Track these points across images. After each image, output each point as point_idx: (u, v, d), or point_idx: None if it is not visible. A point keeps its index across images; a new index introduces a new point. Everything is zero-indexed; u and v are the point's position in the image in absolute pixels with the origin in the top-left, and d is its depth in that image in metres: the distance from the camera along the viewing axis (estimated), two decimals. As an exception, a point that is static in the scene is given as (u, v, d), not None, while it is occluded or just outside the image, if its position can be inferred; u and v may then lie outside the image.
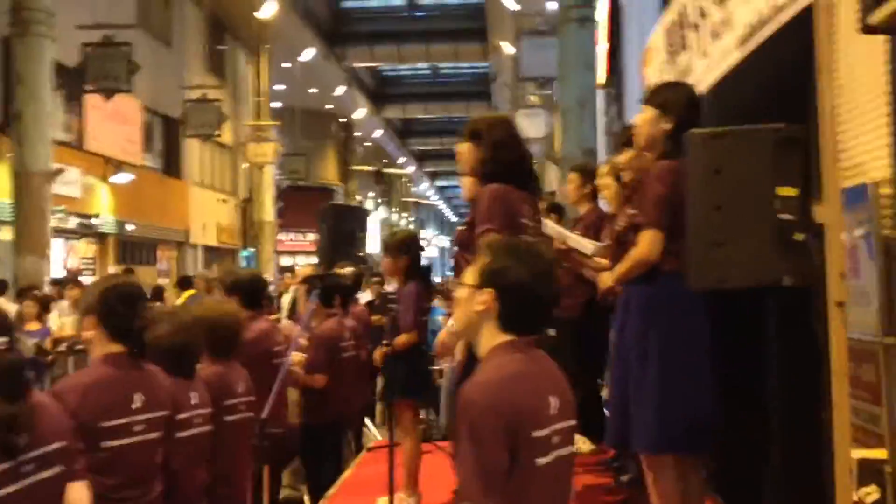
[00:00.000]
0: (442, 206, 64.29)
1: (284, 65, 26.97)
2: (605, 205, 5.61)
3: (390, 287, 5.87)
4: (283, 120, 29.08)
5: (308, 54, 26.68)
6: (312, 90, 30.78)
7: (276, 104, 28.18)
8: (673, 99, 3.33)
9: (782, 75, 3.20)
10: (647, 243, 3.20)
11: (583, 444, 5.52)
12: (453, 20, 31.57)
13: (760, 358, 3.20)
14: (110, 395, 2.83)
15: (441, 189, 61.47)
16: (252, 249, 26.79)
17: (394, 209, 50.11)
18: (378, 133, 40.16)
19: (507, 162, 3.57)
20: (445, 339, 3.80)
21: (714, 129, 2.87)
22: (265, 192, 26.29)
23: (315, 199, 26.06)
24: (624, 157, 4.04)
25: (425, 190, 56.84)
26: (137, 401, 2.89)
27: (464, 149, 3.69)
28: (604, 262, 4.48)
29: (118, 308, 2.87)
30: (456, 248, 3.96)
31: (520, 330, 2.17)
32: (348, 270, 5.71)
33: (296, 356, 5.22)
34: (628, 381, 3.26)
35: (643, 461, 3.44)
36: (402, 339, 4.64)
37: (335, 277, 5.71)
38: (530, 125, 20.74)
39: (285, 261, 31.20)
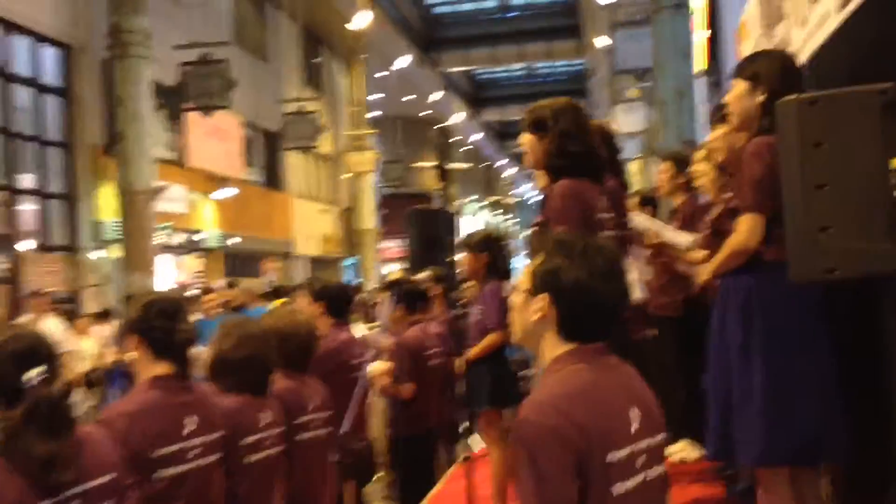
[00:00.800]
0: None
1: (380, 73, 27.10)
2: (702, 194, 5.24)
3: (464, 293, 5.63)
4: (380, 128, 29.25)
5: (403, 62, 26.74)
6: (409, 97, 30.85)
7: (374, 113, 28.39)
8: (765, 68, 2.98)
9: (889, 35, 2.83)
10: (745, 229, 2.86)
11: (690, 450, 5.16)
12: (545, 18, 31.18)
13: (880, 359, 2.81)
14: (160, 421, 2.67)
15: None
16: (355, 258, 26.99)
17: (495, 211, 49.85)
18: (476, 136, 40.02)
19: (573, 155, 3.28)
20: None
21: (810, 94, 2.49)
22: (366, 201, 26.45)
23: (413, 205, 25.85)
24: (713, 135, 3.70)
25: (526, 191, 56.43)
26: (190, 424, 2.72)
27: (526, 141, 3.42)
28: (701, 254, 4.15)
29: (159, 323, 2.72)
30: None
31: (584, 337, 1.89)
32: (425, 274, 5.50)
33: (382, 365, 5.05)
34: (730, 384, 2.92)
35: (755, 472, 3.10)
36: (489, 339, 4.41)
37: (413, 283, 5.51)
38: (629, 119, 20.23)
39: (389, 268, 31.33)
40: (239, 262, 20.81)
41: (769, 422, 2.78)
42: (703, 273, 3.22)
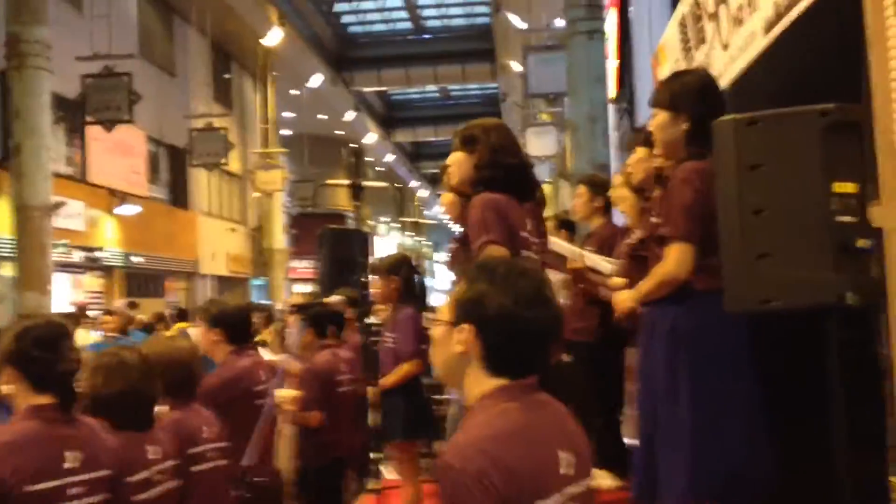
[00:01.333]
0: (455, 227, 63.84)
1: (292, 91, 26.74)
2: (620, 218, 5.19)
3: (375, 318, 5.45)
4: (291, 147, 28.86)
5: (315, 80, 26.43)
6: (321, 116, 30.53)
7: (285, 131, 27.96)
8: (683, 91, 2.89)
9: (820, 58, 2.78)
10: (675, 258, 2.74)
11: (604, 479, 5.06)
12: (460, 42, 31.32)
13: (816, 393, 2.72)
14: (37, 455, 2.40)
15: (454, 212, 60.88)
16: (264, 278, 26.45)
17: (407, 232, 49.73)
18: (389, 157, 39.89)
19: (506, 167, 3.15)
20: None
21: (747, 114, 2.37)
22: (275, 220, 26.01)
23: (327, 225, 25.66)
24: (633, 159, 3.62)
25: (437, 212, 56.52)
26: (71, 460, 2.45)
27: (454, 160, 3.28)
28: (621, 281, 4.06)
29: (37, 353, 2.46)
30: (449, 267, 3.54)
31: (512, 371, 1.73)
32: (338, 298, 5.29)
33: (289, 392, 4.80)
34: (656, 419, 2.80)
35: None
36: (404, 368, 4.21)
37: (324, 306, 5.28)
38: (540, 143, 20.37)
39: (299, 288, 30.86)
40: (142, 282, 20.14)
41: (694, 455, 2.67)
42: (626, 300, 3.10)
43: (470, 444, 1.62)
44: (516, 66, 22.59)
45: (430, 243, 55.56)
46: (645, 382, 2.91)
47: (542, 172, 20.95)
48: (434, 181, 50.26)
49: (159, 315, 12.49)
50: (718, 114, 2.70)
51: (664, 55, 5.03)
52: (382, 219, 42.71)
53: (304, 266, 33.13)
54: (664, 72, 5.10)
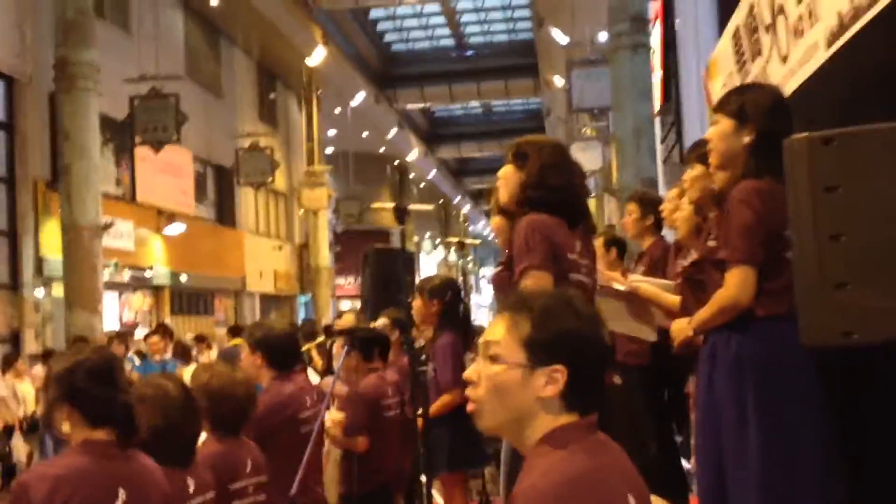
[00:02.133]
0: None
1: (336, 110, 26.88)
2: (670, 234, 5.05)
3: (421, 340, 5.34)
4: (336, 164, 28.98)
5: (359, 98, 26.56)
6: (365, 133, 30.65)
7: (329, 149, 28.10)
8: (753, 104, 2.75)
9: (885, 70, 2.64)
10: (735, 283, 2.61)
11: (659, 504, 4.90)
12: (502, 57, 31.29)
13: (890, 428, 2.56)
14: (87, 490, 2.32)
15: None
16: (309, 295, 26.53)
17: (451, 250, 49.67)
18: (432, 173, 39.91)
19: (555, 188, 3.04)
20: None
21: (822, 132, 2.22)
22: (321, 237, 26.09)
23: (371, 242, 25.72)
24: (688, 175, 3.48)
25: (482, 228, 56.39)
26: (121, 497, 2.38)
27: (504, 174, 3.17)
28: (677, 299, 3.93)
29: (93, 388, 2.39)
30: (494, 293, 3.43)
31: (586, 408, 1.63)
32: (383, 321, 5.19)
33: (335, 415, 4.72)
34: (723, 448, 2.66)
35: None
36: (442, 400, 4.09)
37: (370, 329, 5.19)
38: (585, 157, 20.17)
39: (344, 305, 30.92)
40: (190, 300, 20.28)
41: (765, 494, 2.52)
42: (684, 329, 2.96)
43: (542, 494, 1.51)
44: (559, 81, 22.47)
45: (473, 259, 55.39)
46: (707, 413, 2.76)
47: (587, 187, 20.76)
48: (478, 196, 50.21)
49: (200, 336, 12.49)
50: (785, 133, 2.57)
51: (716, 68, 4.89)
52: (428, 235, 42.71)
53: (349, 283, 33.26)
54: (716, 85, 4.96)
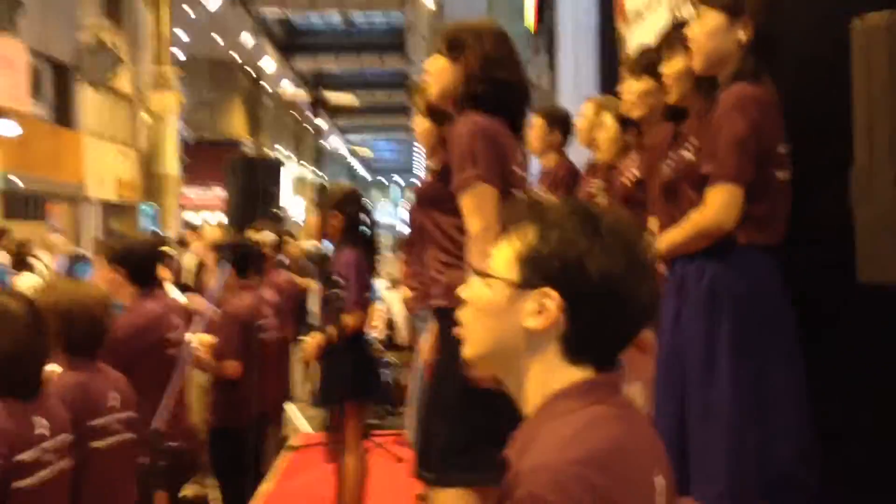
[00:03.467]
0: (353, 162, 62.93)
1: (188, 10, 25.24)
2: (574, 153, 4.73)
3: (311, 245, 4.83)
4: (186, 70, 27.35)
5: (214, 0, 25.01)
6: (218, 39, 29.04)
7: (180, 54, 26.44)
8: None
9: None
10: (721, 203, 2.25)
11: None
12: (368, -33, 30.16)
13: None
14: None
15: (352, 145, 59.91)
16: (154, 205, 25.19)
17: (304, 163, 48.54)
18: (288, 85, 38.51)
19: (501, 83, 2.59)
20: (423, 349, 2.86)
21: None
22: (168, 145, 24.66)
23: (221, 153, 24.75)
24: (633, 88, 3.10)
25: (335, 144, 55.32)
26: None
27: (437, 66, 2.68)
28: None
29: None
30: (416, 206, 2.98)
31: (600, 359, 1.25)
32: (268, 236, 4.66)
33: (204, 338, 4.21)
34: (686, 398, 2.34)
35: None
36: (349, 320, 3.66)
37: (251, 244, 4.66)
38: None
39: (190, 217, 29.63)
40: (21, 204, 18.77)
41: (734, 452, 2.22)
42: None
43: (563, 468, 1.12)
44: (427, -3, 21.81)
45: (325, 174, 54.38)
46: (669, 358, 2.42)
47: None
48: (335, 111, 49.01)
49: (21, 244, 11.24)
50: (784, 30, 2.23)
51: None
52: (277, 147, 41.40)
53: (198, 194, 31.84)
54: (634, -5, 4.60)
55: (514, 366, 1.27)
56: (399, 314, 3.98)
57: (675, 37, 2.65)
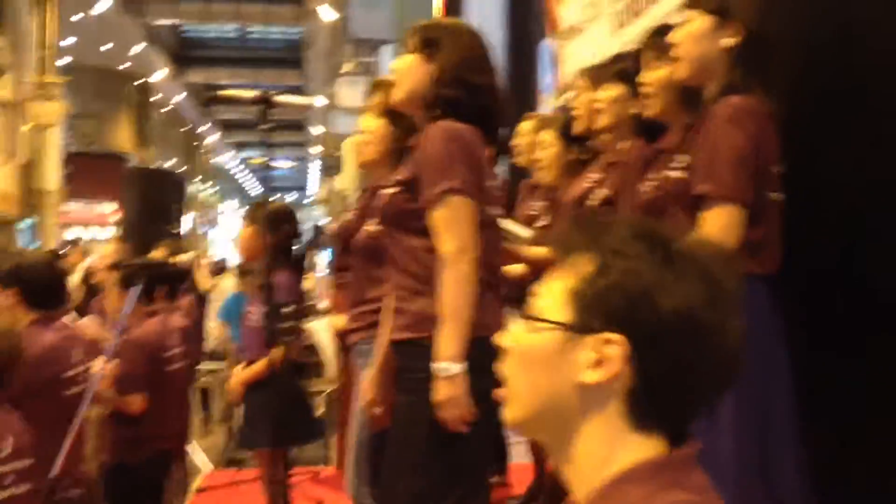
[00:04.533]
0: (247, 178, 61.72)
1: (75, 17, 24.19)
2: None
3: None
4: (71, 78, 26.19)
5: (102, 6, 24.05)
6: (106, 46, 27.96)
7: (65, 60, 25.30)
8: None
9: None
10: (721, 226, 2.03)
11: None
12: (265, -21, 29.64)
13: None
14: None
15: (246, 161, 58.81)
16: (32, 220, 23.91)
17: (195, 179, 47.28)
18: (179, 98, 37.43)
19: (477, 88, 2.33)
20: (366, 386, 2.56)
21: None
22: (50, 157, 23.49)
23: (107, 167, 23.93)
24: (601, 96, 2.88)
25: (228, 160, 54.12)
26: None
27: (408, 64, 2.40)
28: (544, 251, 3.37)
29: None
30: (377, 225, 2.67)
31: (676, 425, 1.00)
32: (187, 256, 4.26)
33: (103, 368, 3.78)
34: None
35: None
36: (274, 354, 3.32)
37: (164, 265, 4.25)
38: (349, 94, 19.43)
39: (72, 233, 28.30)
40: None
41: (738, 487, 2.01)
42: None
43: None
44: (326, 13, 21.47)
45: (217, 192, 53.14)
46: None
47: (348, 125, 20.11)
48: (227, 127, 47.98)
49: None
50: (777, 34, 2.05)
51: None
52: (169, 163, 40.13)
53: (81, 209, 30.47)
54: (569, 9, 4.43)
55: (565, 432, 1.01)
56: (327, 345, 3.65)
57: (657, 42, 2.44)
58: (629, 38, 3.62)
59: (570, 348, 0.99)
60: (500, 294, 2.32)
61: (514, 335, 1.06)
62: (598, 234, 1.03)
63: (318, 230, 11.65)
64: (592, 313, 0.99)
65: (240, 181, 61.96)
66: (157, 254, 4.62)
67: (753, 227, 2.04)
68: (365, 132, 3.11)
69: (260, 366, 3.46)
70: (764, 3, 2.14)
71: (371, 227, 2.77)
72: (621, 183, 2.75)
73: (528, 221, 3.78)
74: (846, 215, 2.29)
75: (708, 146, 2.07)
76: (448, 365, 2.09)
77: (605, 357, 0.97)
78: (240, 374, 3.63)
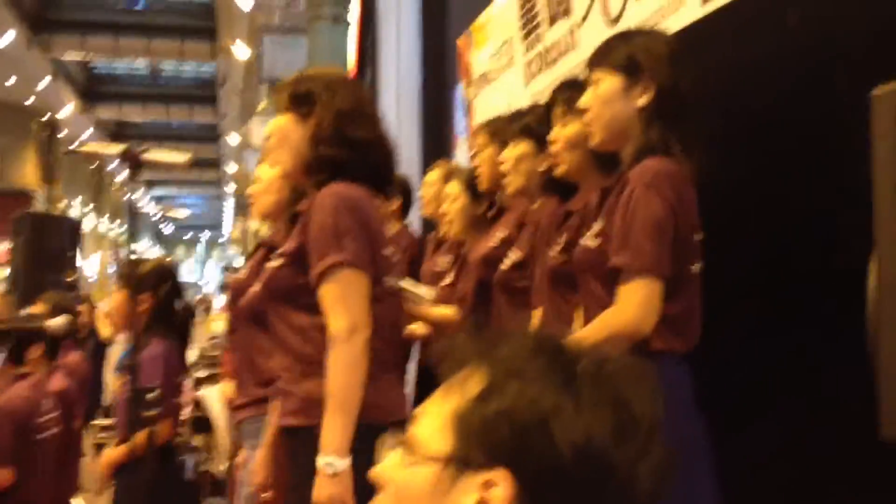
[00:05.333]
0: (158, 216, 60.44)
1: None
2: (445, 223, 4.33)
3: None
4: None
5: (7, 38, 23.27)
6: (11, 81, 27.07)
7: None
8: (647, 51, 2.00)
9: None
10: (638, 301, 1.85)
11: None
12: (178, 15, 29.14)
13: None
14: None
15: (159, 199, 57.68)
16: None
17: (103, 218, 45.99)
18: (87, 133, 36.42)
19: (360, 143, 2.11)
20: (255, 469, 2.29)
21: None
22: (-54, 194, 22.49)
23: (9, 205, 23.09)
24: (507, 154, 2.70)
25: (140, 199, 52.89)
26: None
27: (282, 127, 2.17)
28: (448, 311, 3.18)
29: None
30: (257, 303, 2.41)
31: None
32: (60, 321, 3.89)
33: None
34: None
35: None
36: (138, 439, 3.00)
37: (35, 328, 3.88)
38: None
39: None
40: None
41: None
42: None
43: None
44: (240, 48, 21.14)
45: (127, 232, 51.78)
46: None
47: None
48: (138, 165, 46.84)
49: None
50: (685, 94, 1.90)
51: (483, 35, 4.20)
52: (76, 201, 38.93)
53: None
54: (482, 55, 4.28)
55: None
56: (218, 413, 3.33)
57: (567, 96, 2.26)
58: (542, 88, 3.48)
59: (448, 488, 0.79)
60: (403, 371, 2.11)
61: (386, 468, 0.85)
62: (492, 347, 0.83)
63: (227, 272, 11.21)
64: (476, 445, 0.80)
65: (152, 219, 60.68)
66: (38, 308, 4.26)
67: (675, 301, 1.86)
68: (258, 181, 2.88)
69: (122, 450, 3.14)
70: (672, 57, 1.97)
71: (258, 288, 2.52)
72: (532, 247, 2.57)
73: (435, 278, 3.58)
74: (761, 290, 2.15)
75: (624, 214, 1.88)
76: (332, 460, 1.86)
77: (488, 500, 0.77)
78: (106, 455, 3.31)
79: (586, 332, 1.94)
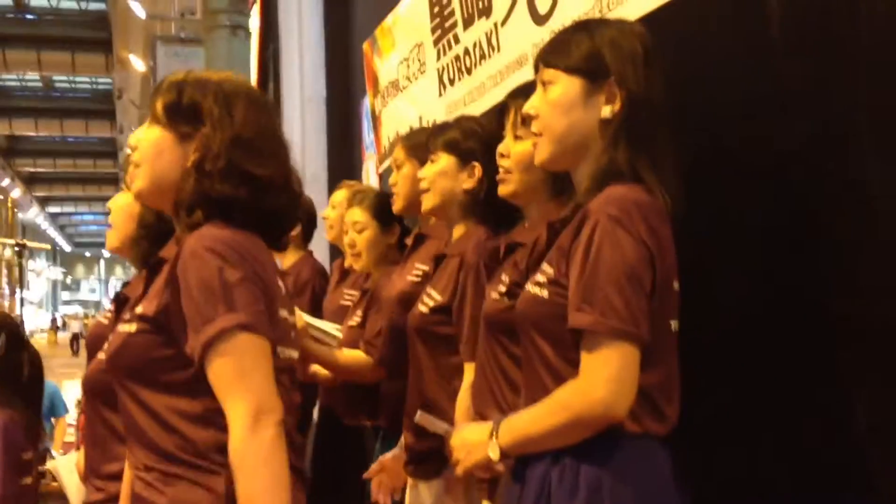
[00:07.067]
0: (54, 234, 58.23)
1: None
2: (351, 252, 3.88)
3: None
4: None
5: None
6: None
7: None
8: (614, 47, 1.56)
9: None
10: (608, 376, 1.40)
11: None
12: (70, 27, 27.97)
13: None
14: None
15: (54, 216, 55.58)
16: None
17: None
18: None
19: (263, 183, 1.58)
20: None
21: None
22: None
23: None
24: (436, 168, 2.25)
25: (35, 216, 50.82)
26: None
27: (149, 143, 1.61)
28: (358, 355, 2.73)
29: None
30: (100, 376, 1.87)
31: None
32: None
33: None
34: None
35: None
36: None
37: None
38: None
39: None
40: None
41: None
42: (478, 445, 1.58)
43: None
44: (136, 60, 20.27)
45: (20, 250, 49.56)
46: None
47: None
48: (31, 181, 45.07)
49: None
50: (660, 101, 1.50)
51: (389, 40, 3.76)
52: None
53: None
54: (389, 63, 3.84)
55: None
56: (73, 489, 2.76)
57: (518, 107, 1.81)
58: (458, 98, 3.06)
59: None
60: (304, 472, 1.60)
61: None
62: None
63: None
64: None
65: (50, 237, 58.40)
66: None
67: (649, 370, 1.43)
68: (113, 211, 2.36)
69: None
70: (645, 62, 1.54)
71: (102, 357, 1.99)
72: (458, 287, 2.13)
73: (341, 313, 3.13)
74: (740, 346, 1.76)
75: (585, 257, 1.43)
76: None
77: None
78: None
79: (535, 415, 1.51)
